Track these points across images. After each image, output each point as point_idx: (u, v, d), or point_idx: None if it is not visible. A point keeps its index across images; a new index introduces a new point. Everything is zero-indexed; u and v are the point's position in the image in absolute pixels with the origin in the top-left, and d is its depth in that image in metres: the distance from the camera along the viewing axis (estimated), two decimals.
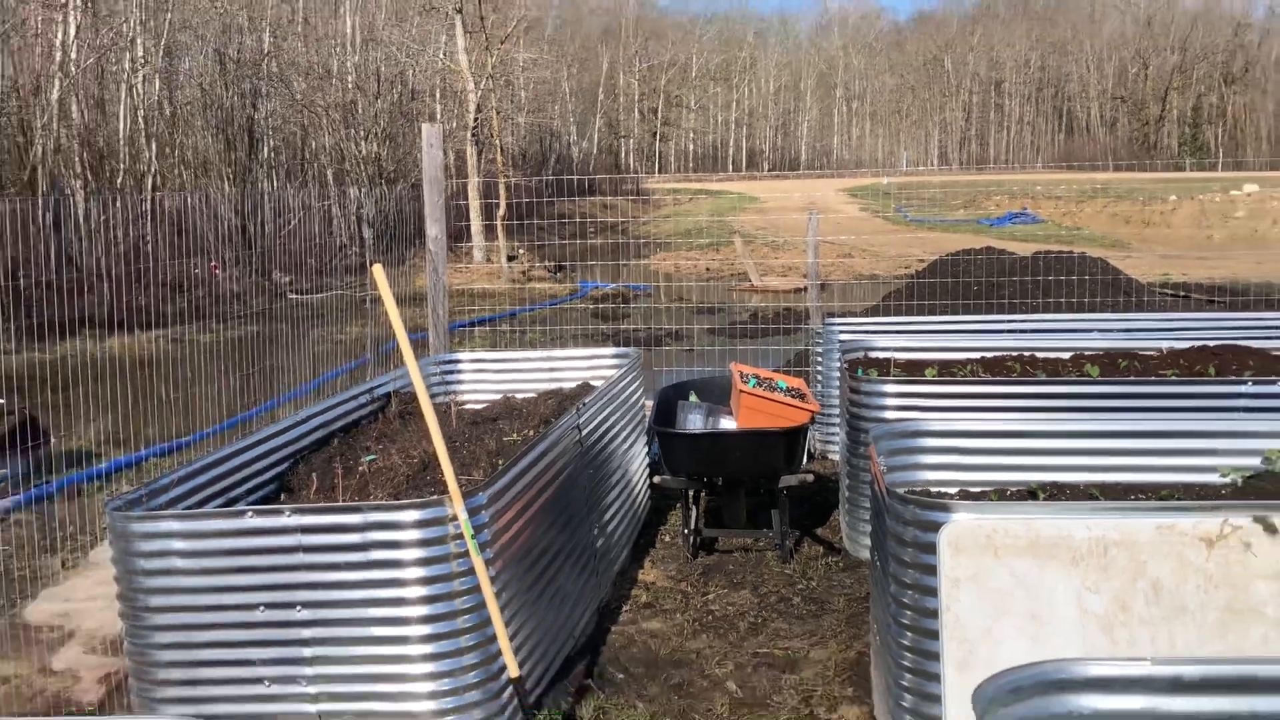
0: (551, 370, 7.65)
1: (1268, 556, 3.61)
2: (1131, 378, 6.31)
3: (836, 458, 7.63)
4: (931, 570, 3.77)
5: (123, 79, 23.67)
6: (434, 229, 8.09)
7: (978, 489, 4.97)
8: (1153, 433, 5.02)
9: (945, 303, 11.65)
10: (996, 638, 3.65)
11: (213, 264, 19.06)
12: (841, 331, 8.27)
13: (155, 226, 19.68)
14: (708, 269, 24.66)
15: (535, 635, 4.81)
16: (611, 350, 7.81)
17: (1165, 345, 7.01)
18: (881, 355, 7.20)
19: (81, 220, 18.69)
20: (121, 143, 23.10)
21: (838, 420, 7.27)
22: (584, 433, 5.90)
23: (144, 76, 24.21)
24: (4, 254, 14.69)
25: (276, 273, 20.04)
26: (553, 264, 24.58)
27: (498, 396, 7.38)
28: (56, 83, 20.68)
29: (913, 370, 6.78)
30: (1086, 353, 6.94)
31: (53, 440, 9.07)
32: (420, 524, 4.19)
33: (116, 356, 11.68)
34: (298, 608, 4.22)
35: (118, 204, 19.61)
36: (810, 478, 6.70)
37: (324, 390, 10.69)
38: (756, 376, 6.90)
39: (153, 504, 4.55)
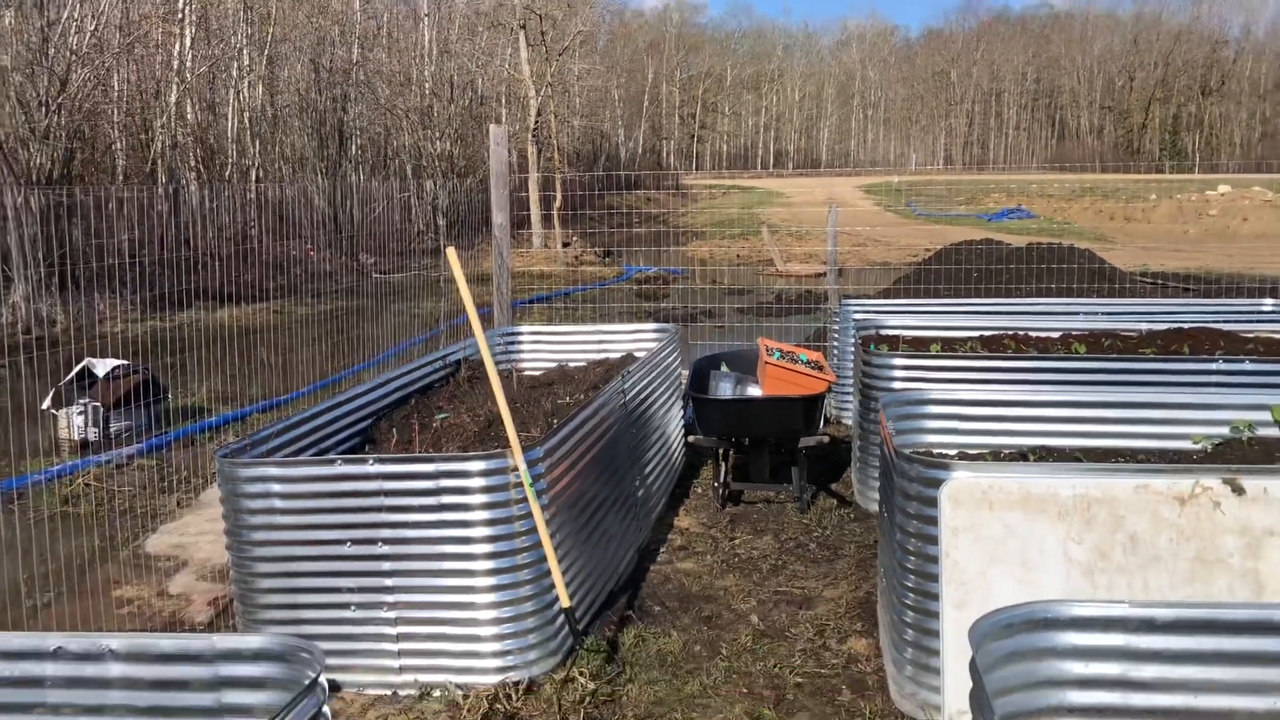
0: (600, 342, 7.65)
1: (1234, 514, 3.56)
2: (1114, 355, 6.22)
3: (850, 422, 7.59)
4: (933, 521, 3.75)
5: (230, 85, 23.82)
6: (499, 217, 8.10)
7: (975, 450, 4.93)
8: (1132, 404, 4.95)
9: (948, 287, 11.53)
10: (990, 581, 3.63)
11: (308, 247, 19.19)
12: (856, 311, 8.20)
13: (259, 214, 19.82)
14: (738, 256, 24.53)
15: (584, 572, 4.84)
16: (653, 325, 7.80)
17: (1144, 327, 6.90)
18: (891, 333, 7.14)
19: (195, 207, 18.85)
20: (229, 140, 23.27)
21: (851, 389, 7.23)
22: (628, 397, 5.90)
23: (249, 83, 24.36)
24: (129, 236, 14.88)
25: (363, 255, 20.15)
26: (602, 250, 24.54)
27: (553, 365, 7.39)
28: (174, 88, 20.85)
29: (919, 346, 6.73)
30: (1074, 333, 6.85)
31: (170, 397, 9.19)
32: (485, 473, 4.21)
33: (225, 326, 11.81)
34: (379, 544, 4.27)
35: (226, 194, 19.75)
36: (826, 439, 6.68)
37: (403, 357, 10.77)
38: (780, 350, 6.87)
39: (255, 452, 4.60)
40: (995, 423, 5.01)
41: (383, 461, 4.28)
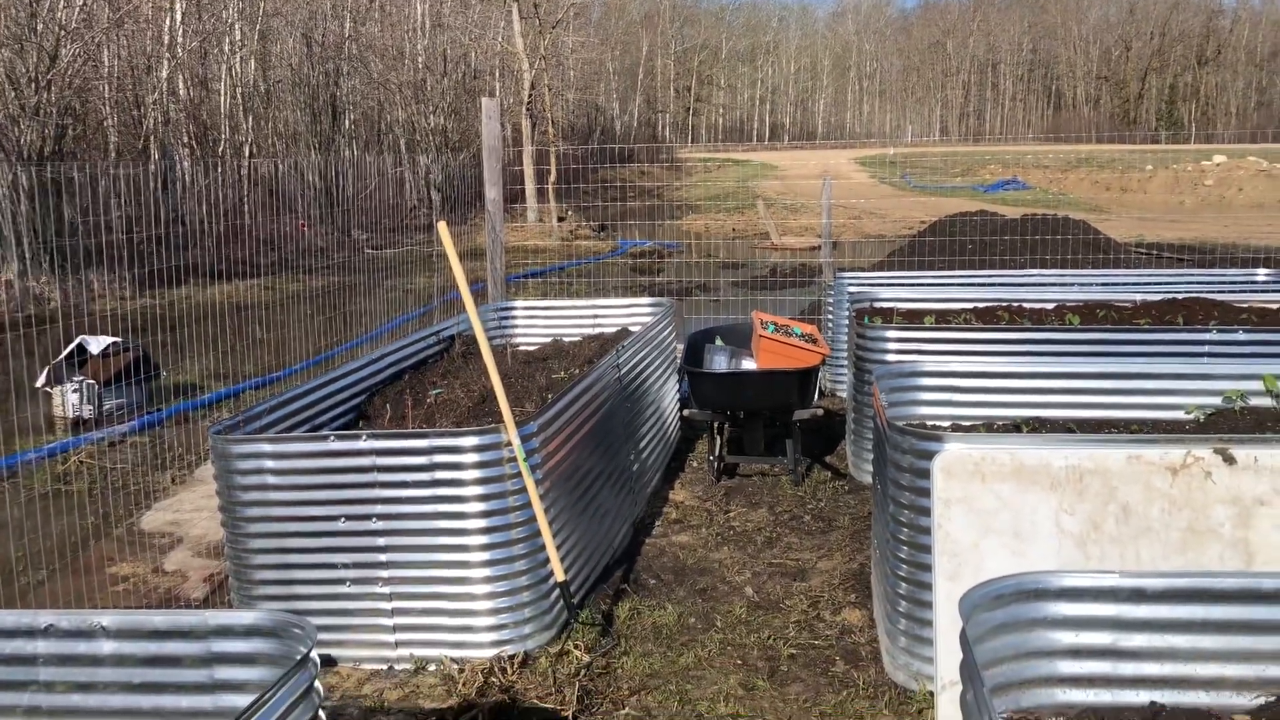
0: (595, 317, 7.63)
1: (1225, 484, 3.57)
2: (1108, 326, 6.21)
3: (844, 395, 7.59)
4: (926, 493, 3.76)
5: (223, 60, 23.65)
6: (492, 192, 8.06)
7: (968, 422, 4.94)
8: (1125, 374, 4.95)
9: (943, 259, 11.51)
10: (982, 552, 3.63)
11: (301, 222, 19.12)
12: (850, 284, 8.19)
13: (252, 189, 19.73)
14: (733, 229, 24.47)
15: (579, 546, 4.85)
16: (648, 300, 7.78)
17: (1139, 298, 6.89)
18: (885, 305, 7.13)
19: (188, 184, 18.76)
20: (222, 116, 23.13)
21: (846, 362, 7.23)
22: (622, 371, 5.90)
23: (241, 58, 24.19)
24: (122, 213, 14.82)
25: (356, 230, 20.08)
26: (597, 224, 24.47)
27: (548, 339, 7.38)
28: (165, 63, 20.70)
29: (913, 318, 6.72)
30: (1068, 304, 6.84)
31: (163, 374, 9.18)
32: (479, 448, 4.21)
33: (218, 302, 11.78)
34: (373, 519, 4.27)
35: (219, 170, 19.65)
36: (820, 412, 6.68)
37: (396, 333, 10.75)
38: (775, 323, 6.86)
39: (249, 429, 4.60)
40: (989, 394, 5.01)
41: (376, 437, 4.28)
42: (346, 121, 28.31)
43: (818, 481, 6.65)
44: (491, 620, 4.32)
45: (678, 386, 7.37)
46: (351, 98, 28.46)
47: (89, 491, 6.75)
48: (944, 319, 6.64)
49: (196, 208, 18.27)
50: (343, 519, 4.29)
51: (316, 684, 2.42)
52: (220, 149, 22.39)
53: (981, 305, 6.92)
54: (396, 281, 14.00)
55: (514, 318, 7.66)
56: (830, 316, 8.61)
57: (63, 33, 16.26)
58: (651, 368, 6.60)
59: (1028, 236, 12.37)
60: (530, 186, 26.94)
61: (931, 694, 3.81)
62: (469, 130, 29.36)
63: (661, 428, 6.81)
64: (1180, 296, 6.87)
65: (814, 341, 6.69)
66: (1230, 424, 4.58)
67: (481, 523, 4.26)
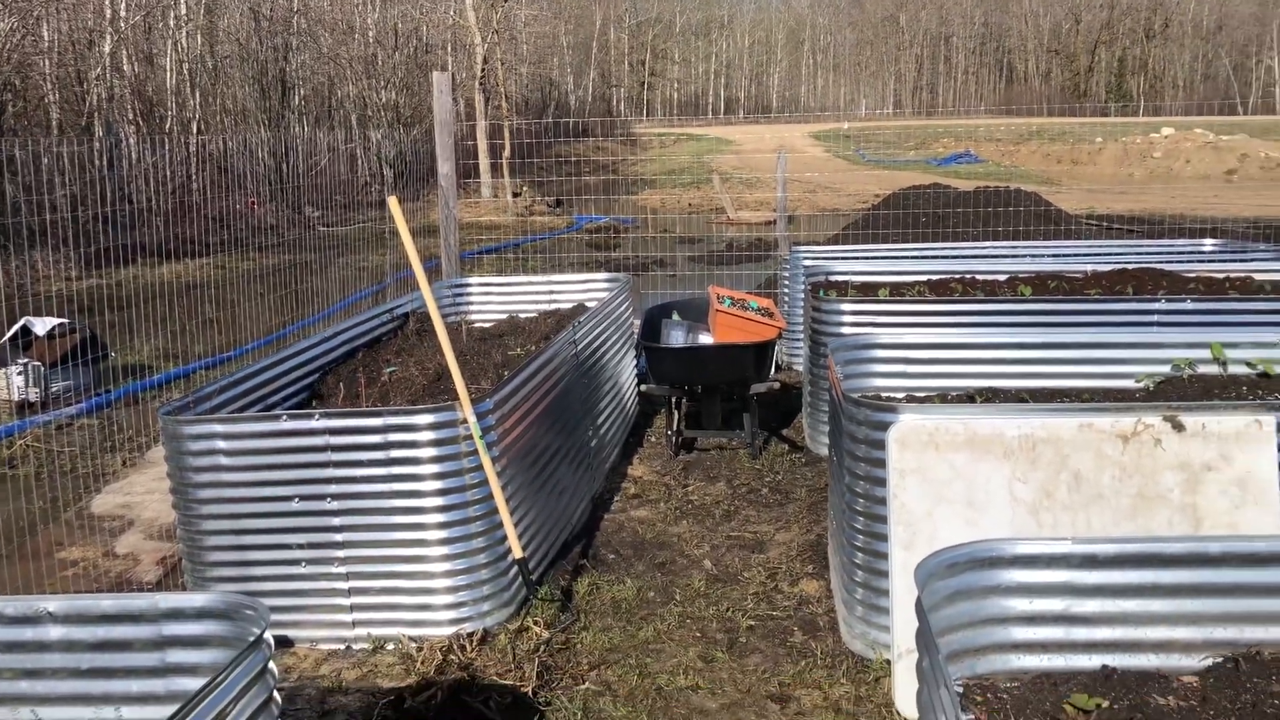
0: (551, 293, 7.59)
1: (1175, 450, 3.62)
2: (1059, 296, 6.28)
3: (800, 368, 7.62)
4: (881, 464, 3.78)
5: (167, 35, 23.16)
6: (445, 167, 7.98)
7: (923, 393, 4.97)
8: (1077, 344, 5.01)
9: (897, 232, 11.58)
10: (937, 521, 3.67)
11: (251, 200, 18.83)
12: (806, 258, 8.21)
13: (200, 167, 19.37)
14: (689, 204, 24.44)
15: (537, 522, 4.83)
16: (604, 275, 7.74)
17: (1089, 268, 6.97)
18: (841, 278, 7.16)
19: (135, 161, 18.39)
20: (168, 93, 22.67)
21: (802, 335, 7.25)
22: (579, 347, 5.87)
23: (187, 33, 23.70)
24: (67, 191, 14.51)
25: (308, 208, 19.81)
26: (552, 199, 24.34)
27: (503, 316, 7.34)
28: (108, 38, 20.23)
29: (867, 291, 6.75)
30: (1020, 275, 6.90)
31: (112, 355, 9.02)
32: (434, 426, 4.18)
33: (167, 281, 11.59)
34: (328, 499, 4.23)
35: (166, 147, 19.28)
36: (777, 385, 6.71)
37: (350, 311, 10.64)
38: (731, 298, 6.87)
39: (199, 409, 4.53)
40: (943, 365, 5.05)
41: (330, 416, 4.23)
42: (296, 97, 27.87)
43: (775, 454, 6.68)
44: (450, 598, 4.30)
45: (635, 362, 7.37)
46: (301, 73, 28.00)
47: (37, 475, 6.63)
48: (898, 291, 6.68)
49: (144, 185, 17.92)
50: (297, 499, 4.24)
51: (271, 665, 2.39)
52: (167, 126, 21.97)
53: (935, 277, 6.97)
54: (350, 259, 13.84)
55: (469, 294, 7.60)
56: (786, 290, 8.64)
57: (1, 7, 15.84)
58: (608, 343, 6.58)
59: (980, 209, 12.47)
60: (484, 162, 26.71)
61: (888, 662, 3.85)
62: (421, 105, 29.02)
63: (619, 403, 6.81)
64: (1130, 267, 6.96)
65: (770, 315, 6.70)
66: (1179, 391, 4.66)
67: (438, 501, 4.23)
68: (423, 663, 4.11)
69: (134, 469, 6.74)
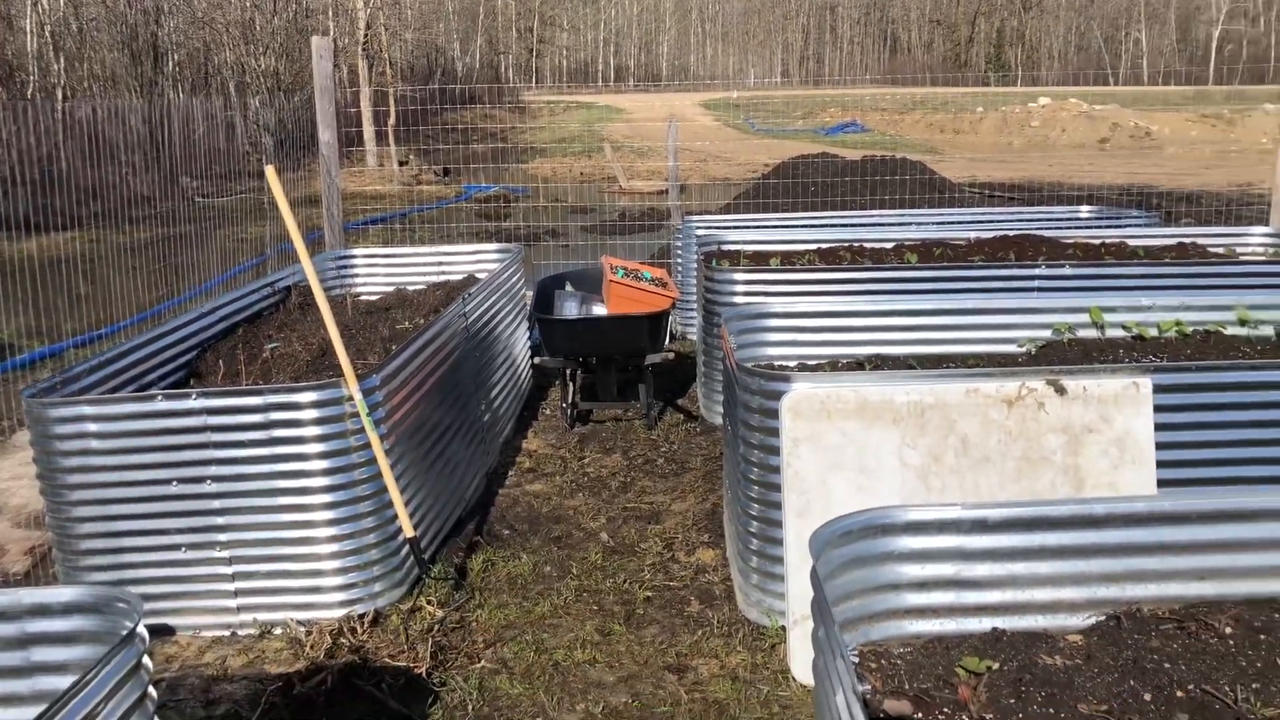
0: (440, 264, 7.43)
1: (1057, 413, 3.72)
2: (944, 263, 6.40)
3: (694, 338, 7.63)
4: (775, 432, 3.80)
5: None
6: (326, 135, 7.73)
7: (814, 361, 5.01)
8: (962, 310, 5.11)
9: (787, 201, 11.67)
10: (830, 488, 3.70)
11: (124, 170, 18.03)
12: (698, 228, 8.20)
13: (67, 135, 18.44)
14: (581, 173, 24.28)
15: (429, 500, 4.74)
16: (495, 246, 7.61)
17: (972, 235, 7.12)
18: (733, 248, 7.18)
19: None
20: (30, 57, 21.53)
21: (695, 305, 7.26)
22: (470, 320, 5.77)
23: None
24: None
25: (184, 178, 19.06)
26: (440, 169, 23.91)
27: (391, 289, 7.17)
28: None
29: (759, 260, 6.78)
30: (906, 243, 7.01)
31: None
32: (318, 404, 4.05)
33: (34, 255, 11.02)
34: (207, 482, 4.07)
35: (29, 114, 18.30)
36: (672, 355, 6.71)
37: (230, 285, 10.27)
38: (625, 268, 6.82)
39: (68, 390, 4.30)
40: (833, 334, 5.10)
41: (208, 395, 4.06)
42: (170, 63, 26.76)
43: (670, 425, 6.68)
44: (339, 580, 4.19)
45: (528, 334, 7.28)
46: (174, 38, 26.87)
47: None
48: (789, 260, 6.72)
49: (6, 155, 17.00)
50: (174, 483, 4.07)
51: (145, 660, 2.27)
52: (29, 92, 20.87)
53: (825, 246, 7.04)
54: (230, 231, 13.37)
55: (354, 266, 7.40)
56: (679, 260, 8.63)
57: None
58: (500, 315, 6.48)
59: (868, 178, 12.66)
60: (369, 130, 26.06)
61: (784, 629, 3.89)
62: (303, 72, 28.12)
63: (513, 376, 6.72)
64: (1011, 234, 7.13)
65: (664, 285, 6.68)
66: (1060, 355, 4.79)
67: (324, 481, 4.11)
68: (312, 647, 4.00)
69: (1, 453, 6.41)
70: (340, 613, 4.18)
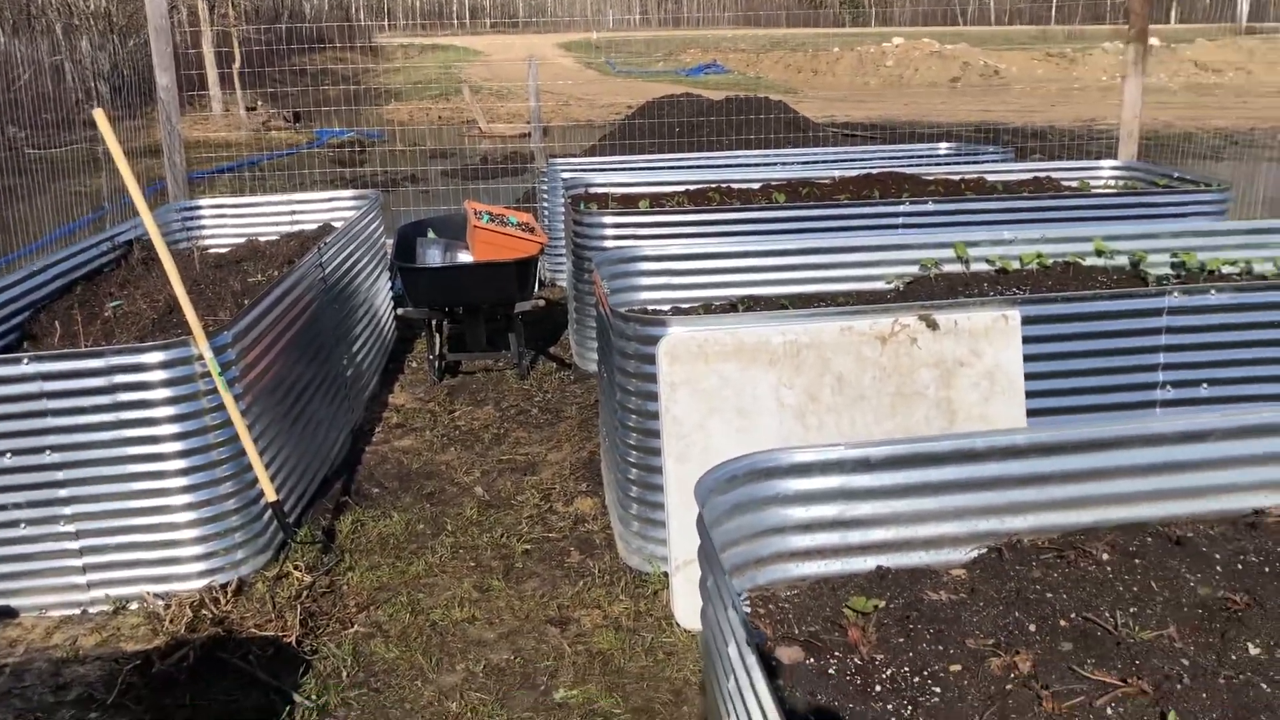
0: (293, 213, 7.08)
1: (929, 348, 3.74)
2: (811, 203, 6.41)
3: (564, 284, 7.50)
4: (652, 378, 3.73)
5: None
6: (164, 79, 7.27)
7: (688, 305, 4.96)
8: (830, 249, 5.11)
9: (652, 142, 11.56)
10: (709, 431, 3.66)
11: None
12: (564, 171, 8.04)
13: None
14: (439, 117, 23.65)
15: (291, 461, 4.53)
16: (350, 193, 7.29)
17: (837, 174, 7.16)
18: (600, 191, 7.05)
19: None
20: None
21: (564, 250, 7.12)
22: (327, 271, 5.51)
23: None
24: None
25: (11, 128, 17.83)
26: (290, 114, 22.96)
27: (241, 240, 6.80)
28: None
29: (628, 203, 6.67)
30: (773, 183, 7.01)
31: None
32: (166, 364, 3.80)
33: None
34: (47, 452, 3.79)
35: None
36: (542, 303, 6.58)
37: (67, 241, 9.65)
38: (489, 213, 6.63)
39: None
40: (706, 275, 5.05)
41: (41, 360, 3.77)
42: None
43: (543, 374, 6.57)
44: (198, 549, 3.98)
45: (390, 284, 7.03)
46: None
47: None
48: (658, 202, 6.64)
49: None
50: (9, 455, 3.78)
51: None
52: None
53: (693, 187, 6.97)
54: (64, 183, 12.55)
55: (201, 218, 7.00)
56: (545, 204, 8.46)
57: None
58: (360, 265, 6.23)
59: (731, 117, 12.63)
60: (212, 74, 24.82)
61: (666, 575, 3.85)
62: (138, 14, 26.54)
63: (376, 328, 6.49)
64: (874, 172, 7.18)
65: (531, 230, 6.52)
66: (928, 291, 4.84)
67: (177, 446, 3.87)
68: (171, 621, 3.80)
69: None
70: (201, 583, 3.97)
